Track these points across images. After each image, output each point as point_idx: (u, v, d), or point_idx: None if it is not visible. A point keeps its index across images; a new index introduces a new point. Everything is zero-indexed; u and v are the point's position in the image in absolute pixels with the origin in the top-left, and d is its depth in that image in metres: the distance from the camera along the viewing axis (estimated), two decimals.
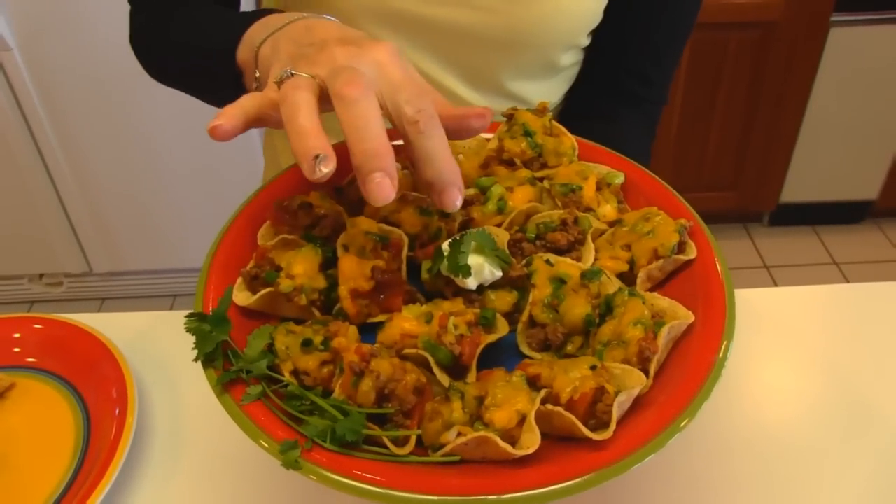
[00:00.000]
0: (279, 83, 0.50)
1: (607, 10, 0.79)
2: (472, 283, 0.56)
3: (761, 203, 2.51)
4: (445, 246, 0.57)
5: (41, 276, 2.36)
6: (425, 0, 0.73)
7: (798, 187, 2.45)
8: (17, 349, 0.77)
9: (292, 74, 0.49)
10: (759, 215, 2.62)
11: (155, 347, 0.78)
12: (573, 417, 0.46)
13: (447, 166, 0.49)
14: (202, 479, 0.67)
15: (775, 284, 2.41)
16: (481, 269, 0.55)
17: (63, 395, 0.73)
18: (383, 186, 0.45)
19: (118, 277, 2.35)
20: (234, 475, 0.67)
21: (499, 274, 0.56)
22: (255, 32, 0.60)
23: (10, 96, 1.91)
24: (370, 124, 0.46)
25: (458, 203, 0.49)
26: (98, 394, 0.72)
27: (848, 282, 2.36)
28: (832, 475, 0.65)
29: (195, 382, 0.74)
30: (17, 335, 0.78)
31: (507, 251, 0.59)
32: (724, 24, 2.07)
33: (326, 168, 0.45)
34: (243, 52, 0.61)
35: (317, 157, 0.45)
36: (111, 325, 0.77)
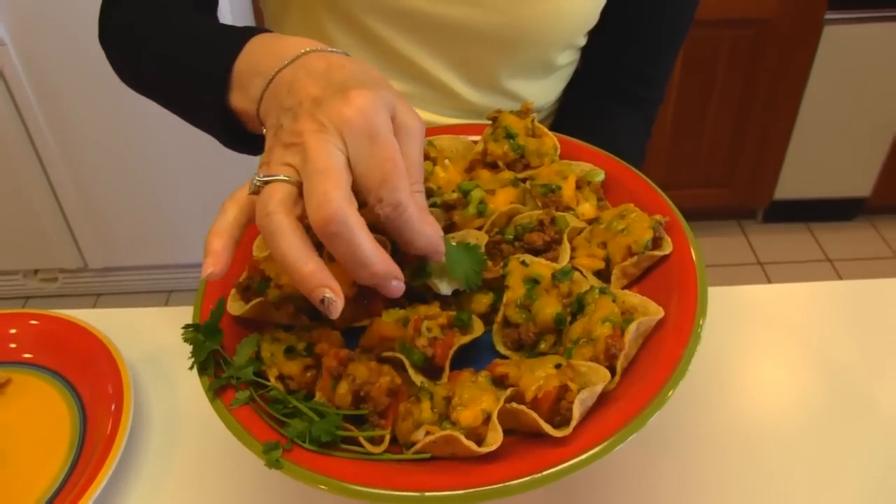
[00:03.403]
0: (254, 192, 0.47)
1: (604, 11, 0.79)
2: (445, 289, 0.58)
3: (755, 200, 2.52)
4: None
5: (36, 271, 2.37)
6: None
7: (792, 184, 2.46)
8: (13, 345, 0.78)
9: (263, 183, 0.46)
10: (752, 212, 2.63)
11: (150, 343, 0.79)
12: (535, 415, 0.47)
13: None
14: (198, 473, 0.68)
15: (769, 281, 2.42)
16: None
17: (59, 391, 0.74)
18: (398, 288, 0.47)
19: (113, 273, 2.36)
20: (229, 470, 0.68)
21: None
22: (246, 75, 0.55)
23: (4, 91, 1.92)
24: (365, 251, 0.45)
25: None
26: (94, 389, 0.73)
27: (841, 278, 2.37)
28: (826, 471, 0.66)
29: (190, 378, 0.75)
30: (13, 331, 0.79)
31: (486, 254, 0.60)
32: (719, 21, 2.08)
33: (335, 312, 0.45)
34: (239, 100, 0.56)
35: (323, 300, 0.44)
36: (107, 321, 0.78)
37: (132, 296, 2.39)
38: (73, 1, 1.79)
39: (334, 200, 0.43)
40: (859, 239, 2.55)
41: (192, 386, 0.73)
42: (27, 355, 0.77)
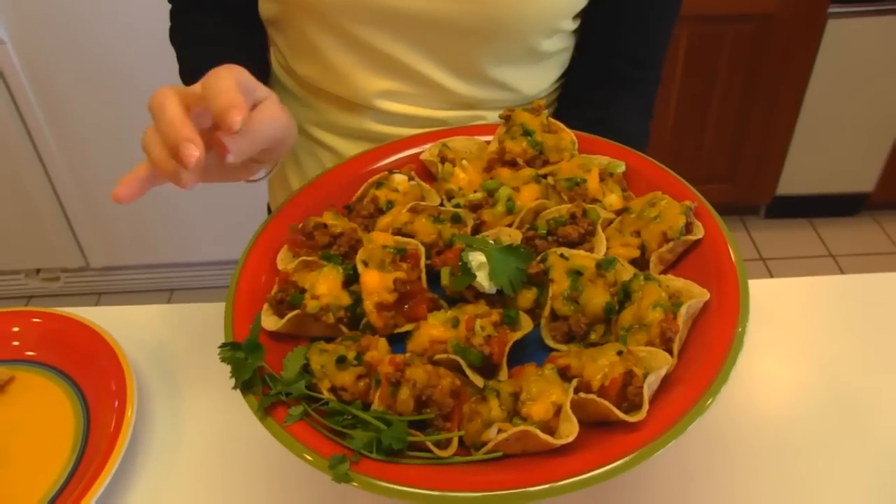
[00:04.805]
0: None
1: None
2: (490, 287, 0.57)
3: (758, 195, 2.52)
4: (472, 260, 0.57)
5: (38, 271, 2.35)
6: None
7: (794, 180, 2.46)
8: (16, 343, 0.77)
9: None
10: (755, 208, 2.63)
11: (153, 340, 0.79)
12: (608, 403, 0.47)
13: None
14: (202, 470, 0.67)
15: (771, 276, 2.42)
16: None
17: (62, 389, 0.73)
18: (191, 154, 0.53)
19: (115, 272, 2.34)
20: (233, 466, 0.67)
21: None
22: None
23: (4, 91, 1.90)
24: (168, 112, 0.55)
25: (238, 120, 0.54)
26: (97, 387, 0.72)
27: (843, 274, 2.38)
28: (826, 464, 0.66)
29: (193, 374, 0.75)
30: (16, 329, 0.78)
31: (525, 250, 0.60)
32: (721, 16, 2.07)
33: (191, 161, 0.53)
34: None
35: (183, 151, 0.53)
36: (110, 319, 0.77)
37: (134, 294, 2.37)
38: (73, 1, 1.77)
39: (160, 88, 0.55)
40: (862, 234, 2.55)
41: (195, 381, 0.74)
42: (30, 353, 0.77)
